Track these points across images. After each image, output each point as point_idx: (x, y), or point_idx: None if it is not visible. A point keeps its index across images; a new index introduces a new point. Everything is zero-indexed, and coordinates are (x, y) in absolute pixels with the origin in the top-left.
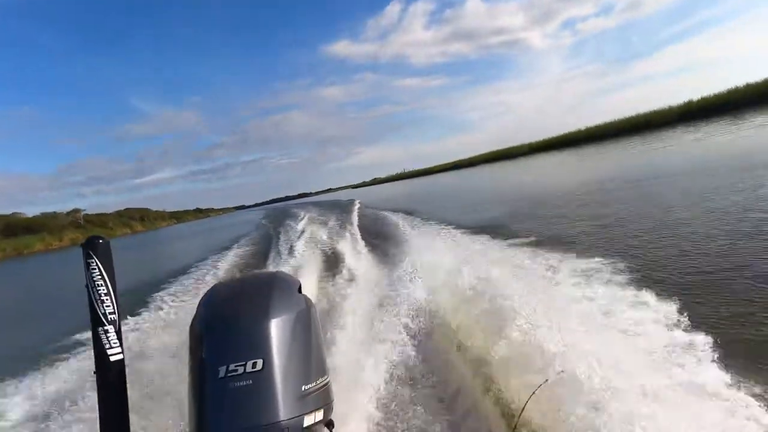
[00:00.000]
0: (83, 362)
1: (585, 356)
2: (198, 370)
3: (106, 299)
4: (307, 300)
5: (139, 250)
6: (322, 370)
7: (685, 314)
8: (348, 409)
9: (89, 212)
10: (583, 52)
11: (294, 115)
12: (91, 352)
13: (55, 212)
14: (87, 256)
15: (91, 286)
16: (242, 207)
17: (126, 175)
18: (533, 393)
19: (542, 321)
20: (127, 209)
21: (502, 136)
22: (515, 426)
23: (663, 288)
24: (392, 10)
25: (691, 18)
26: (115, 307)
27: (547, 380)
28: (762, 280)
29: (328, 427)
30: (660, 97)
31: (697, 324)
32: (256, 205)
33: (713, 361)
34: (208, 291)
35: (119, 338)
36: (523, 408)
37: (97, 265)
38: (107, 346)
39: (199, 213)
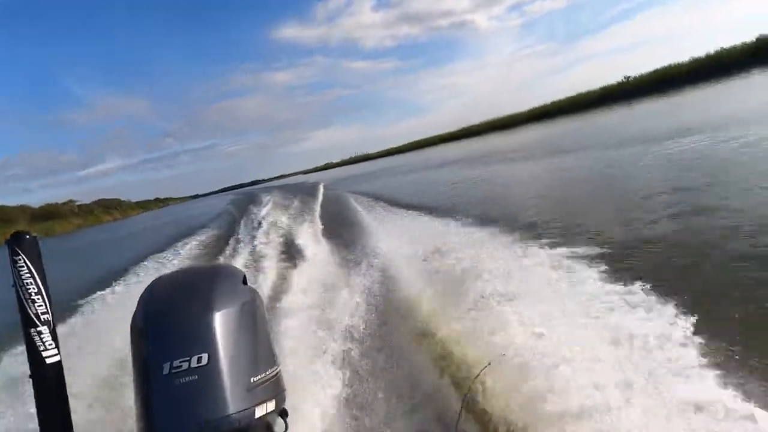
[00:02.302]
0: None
1: (530, 337)
2: (141, 367)
3: (37, 298)
4: (252, 291)
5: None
6: (272, 361)
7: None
8: (302, 395)
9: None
10: (532, 33)
11: (244, 100)
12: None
13: (57, 203)
14: (13, 253)
15: (19, 285)
16: (196, 196)
17: (71, 166)
18: (477, 376)
19: (498, 300)
20: (101, 199)
21: (457, 117)
22: (462, 406)
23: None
24: None
25: None
26: (48, 307)
27: (489, 363)
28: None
29: (282, 416)
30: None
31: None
32: (210, 193)
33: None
34: (148, 286)
35: (55, 339)
36: (468, 390)
37: (24, 262)
38: (42, 348)
39: (160, 202)
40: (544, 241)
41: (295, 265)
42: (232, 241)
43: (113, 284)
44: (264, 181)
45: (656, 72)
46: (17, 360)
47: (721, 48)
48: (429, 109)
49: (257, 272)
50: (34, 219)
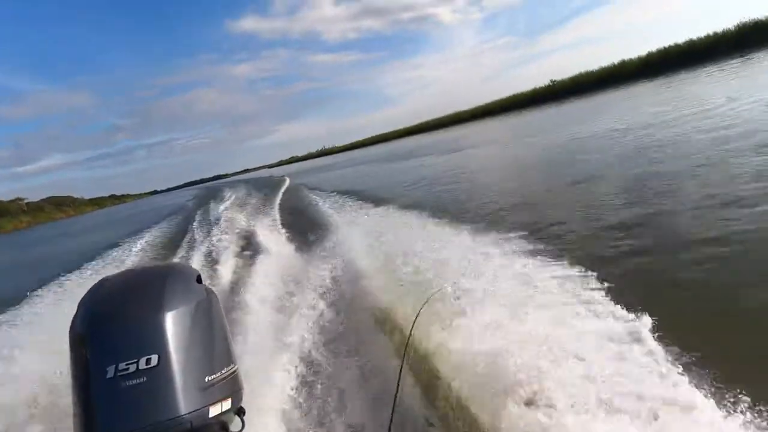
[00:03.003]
0: None
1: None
2: (81, 373)
3: None
4: (207, 290)
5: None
6: (228, 360)
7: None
8: (260, 392)
9: None
10: (494, 26)
11: (202, 93)
12: None
13: (2, 200)
14: None
15: None
16: (155, 192)
17: (6, 162)
18: (416, 317)
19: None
20: (52, 197)
21: (422, 109)
22: (405, 351)
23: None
24: None
25: None
26: None
27: (427, 300)
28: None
29: (239, 415)
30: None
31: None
32: (171, 189)
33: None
34: (91, 288)
35: None
36: (409, 335)
37: None
38: None
39: (116, 199)
40: (495, 228)
41: (254, 261)
42: (188, 238)
43: (51, 286)
44: (228, 175)
45: (574, 78)
46: None
47: (622, 60)
48: (395, 102)
49: (215, 269)
50: None
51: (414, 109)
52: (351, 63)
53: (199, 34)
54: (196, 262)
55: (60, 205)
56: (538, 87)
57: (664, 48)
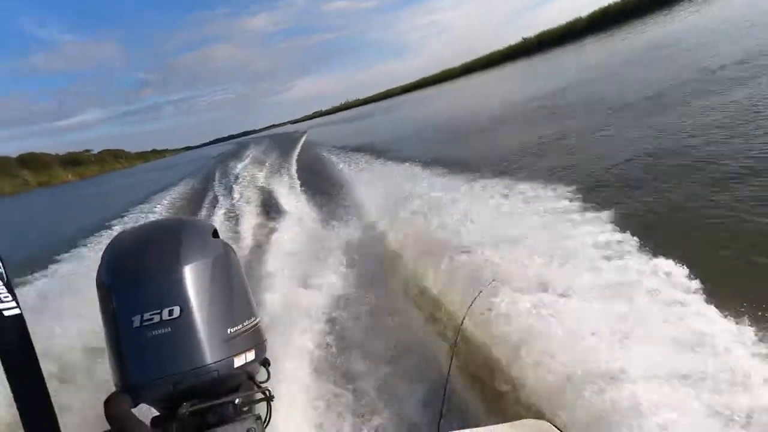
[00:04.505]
0: None
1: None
2: (111, 322)
3: None
4: (224, 244)
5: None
6: (249, 313)
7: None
8: (286, 344)
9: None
10: None
11: (220, 48)
12: None
13: (76, 151)
14: None
15: None
16: (189, 148)
17: (48, 117)
18: (470, 306)
19: (478, 238)
20: (107, 150)
21: (441, 56)
22: (456, 341)
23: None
24: None
25: None
26: None
27: (481, 291)
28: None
29: (264, 365)
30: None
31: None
32: (202, 145)
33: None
34: (111, 240)
35: (11, 291)
36: (462, 322)
37: None
38: None
39: (158, 154)
40: (512, 177)
41: (275, 216)
42: (211, 193)
43: (87, 239)
44: (255, 131)
45: (540, 34)
46: None
47: (576, 17)
48: (413, 49)
49: (238, 224)
50: (62, 164)
51: (431, 57)
52: (367, 9)
53: None
54: (222, 211)
55: (116, 158)
56: (513, 44)
57: None
